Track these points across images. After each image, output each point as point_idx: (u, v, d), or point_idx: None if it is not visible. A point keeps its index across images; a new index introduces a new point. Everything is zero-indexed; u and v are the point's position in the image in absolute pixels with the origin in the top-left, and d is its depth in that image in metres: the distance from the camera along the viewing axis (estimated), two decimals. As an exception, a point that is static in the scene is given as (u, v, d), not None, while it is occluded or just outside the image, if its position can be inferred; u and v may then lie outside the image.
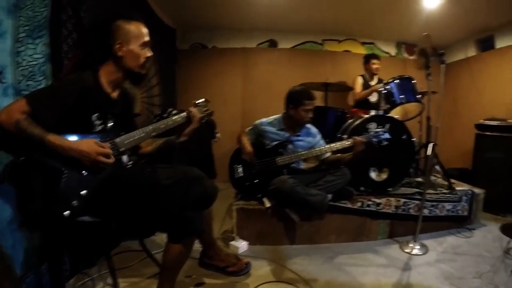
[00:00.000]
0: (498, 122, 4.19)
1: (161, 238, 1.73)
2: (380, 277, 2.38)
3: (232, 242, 2.71)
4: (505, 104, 4.44)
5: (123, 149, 1.64)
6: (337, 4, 4.37)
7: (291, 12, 4.64)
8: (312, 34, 5.72)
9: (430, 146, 3.11)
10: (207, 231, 2.10)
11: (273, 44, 5.69)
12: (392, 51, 6.06)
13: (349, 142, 2.77)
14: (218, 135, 3.75)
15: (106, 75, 1.66)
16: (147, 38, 1.70)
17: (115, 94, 1.74)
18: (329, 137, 3.65)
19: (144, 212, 1.57)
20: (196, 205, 1.66)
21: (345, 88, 4.90)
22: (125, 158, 1.70)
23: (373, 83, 4.74)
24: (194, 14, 4.80)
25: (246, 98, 5.52)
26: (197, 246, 2.09)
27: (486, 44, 5.27)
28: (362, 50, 5.84)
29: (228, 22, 5.19)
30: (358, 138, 2.77)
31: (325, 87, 4.19)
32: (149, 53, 1.72)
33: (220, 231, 3.04)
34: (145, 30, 1.70)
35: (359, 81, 4.75)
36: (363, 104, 4.60)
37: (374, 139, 2.79)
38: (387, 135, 2.82)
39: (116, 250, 2.41)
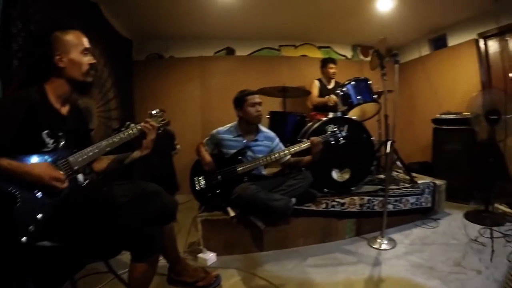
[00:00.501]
0: (454, 115, 4.44)
1: (127, 257, 1.68)
2: (351, 275, 2.45)
3: (200, 255, 2.70)
4: (459, 98, 4.67)
5: (77, 167, 1.61)
6: (293, 10, 4.47)
7: (247, 19, 4.72)
8: (268, 40, 5.82)
9: (389, 143, 3.22)
10: (172, 247, 2.09)
11: (230, 51, 5.75)
12: (348, 53, 6.28)
13: (307, 144, 2.83)
14: (178, 146, 3.73)
15: (53, 90, 1.64)
16: (86, 45, 1.70)
17: (65, 110, 1.72)
18: (290, 142, 3.69)
19: (105, 231, 1.55)
20: (155, 221, 1.66)
21: (303, 93, 5.00)
22: (80, 176, 1.67)
23: (330, 86, 4.87)
24: (150, 24, 4.78)
25: (205, 108, 5.52)
26: (165, 262, 2.10)
27: (439, 43, 5.58)
28: (319, 54, 6.02)
29: (184, 31, 5.22)
30: (315, 139, 2.83)
31: (283, 92, 4.28)
32: (92, 60, 1.71)
33: (186, 244, 3.02)
34: (83, 38, 1.70)
35: (316, 85, 4.87)
36: (321, 107, 4.70)
37: (331, 139, 2.88)
38: (344, 134, 2.91)
39: (82, 273, 2.34)
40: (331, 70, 4.84)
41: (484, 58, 4.70)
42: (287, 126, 4.16)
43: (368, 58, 6.16)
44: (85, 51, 1.68)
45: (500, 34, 4.41)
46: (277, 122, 4.14)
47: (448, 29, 5.26)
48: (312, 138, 2.84)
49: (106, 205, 1.60)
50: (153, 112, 1.96)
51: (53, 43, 1.61)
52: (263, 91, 4.11)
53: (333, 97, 4.45)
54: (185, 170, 3.27)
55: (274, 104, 4.92)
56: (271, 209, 2.68)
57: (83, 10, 3.32)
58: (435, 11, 4.60)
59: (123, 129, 1.80)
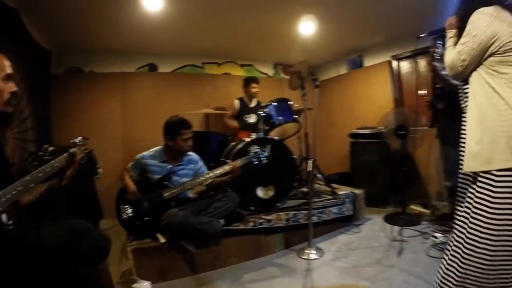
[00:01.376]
0: (369, 130, 4.95)
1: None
2: (286, 287, 2.63)
3: (134, 285, 2.61)
4: (374, 114, 5.18)
5: (1, 209, 1.45)
6: (217, 30, 4.61)
7: (171, 36, 4.71)
8: (192, 57, 5.89)
9: (310, 162, 3.43)
10: (106, 282, 2.08)
11: (153, 68, 5.68)
12: (270, 72, 6.64)
13: (228, 168, 3.02)
14: (100, 170, 3.64)
15: None
16: (9, 71, 1.56)
17: None
18: (214, 161, 3.85)
19: (36, 277, 1.45)
20: (89, 262, 1.60)
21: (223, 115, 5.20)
22: (4, 217, 1.53)
23: (252, 105, 5.09)
24: (71, 35, 4.50)
25: (126, 126, 5.34)
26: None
27: (355, 63, 6.19)
28: (241, 72, 6.28)
29: (106, 45, 5.04)
30: (237, 163, 3.05)
31: (207, 114, 4.42)
32: (14, 88, 1.58)
33: (118, 274, 2.90)
34: (6, 62, 1.57)
35: (234, 105, 5.07)
36: (244, 125, 4.91)
37: (254, 159, 3.10)
38: (266, 154, 3.16)
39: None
40: (253, 90, 5.03)
41: (396, 78, 5.32)
42: (211, 146, 4.30)
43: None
44: (7, 77, 1.55)
45: (412, 56, 5.04)
46: (200, 141, 4.12)
47: (364, 51, 5.88)
48: (232, 163, 3.05)
49: (35, 250, 1.49)
50: (76, 140, 1.85)
51: None
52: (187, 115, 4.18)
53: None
54: (108, 192, 3.22)
55: (196, 122, 5.01)
56: (202, 233, 2.78)
57: (1, 16, 3.06)
58: (354, 34, 5.11)
59: (40, 153, 1.64)
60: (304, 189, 4.08)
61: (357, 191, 4.16)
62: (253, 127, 4.51)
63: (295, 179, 3.89)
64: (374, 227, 3.90)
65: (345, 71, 6.39)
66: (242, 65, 6.35)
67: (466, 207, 1.72)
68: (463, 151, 1.77)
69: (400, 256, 2.99)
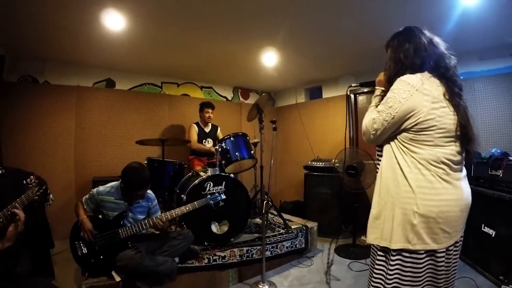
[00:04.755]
0: (323, 163, 5.29)
1: None
2: None
3: None
4: (329, 146, 5.61)
5: None
6: (178, 52, 4.75)
7: (131, 53, 4.75)
8: (151, 76, 5.99)
9: (265, 203, 3.65)
10: None
11: (110, 83, 5.63)
12: (229, 95, 6.91)
13: (188, 208, 3.19)
14: (51, 197, 3.56)
15: None
16: None
17: None
18: (168, 191, 4.09)
19: None
20: None
21: (181, 142, 5.30)
22: None
23: (207, 130, 5.41)
24: (27, 41, 4.25)
25: (79, 144, 5.19)
26: None
27: (315, 93, 6.65)
28: (200, 94, 6.52)
29: (64, 55, 4.87)
30: (195, 206, 3.22)
31: (162, 142, 4.45)
32: None
33: None
34: None
35: (194, 129, 5.33)
36: (200, 151, 5.17)
37: (211, 202, 3.33)
38: (223, 196, 3.39)
39: None
40: (207, 115, 5.34)
41: (353, 112, 5.72)
42: (166, 174, 4.43)
43: (248, 101, 6.98)
44: None
45: (370, 92, 5.32)
46: (155, 169, 4.29)
47: (323, 82, 6.28)
48: (190, 205, 3.21)
49: None
50: (28, 181, 1.93)
51: None
52: (143, 143, 4.36)
53: (212, 149, 4.98)
54: (58, 214, 3.35)
55: (152, 147, 5.00)
56: (158, 274, 2.93)
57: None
58: (313, 67, 5.49)
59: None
60: (258, 220, 4.33)
61: (310, 224, 4.44)
62: (209, 154, 4.84)
63: (249, 214, 4.08)
64: (326, 260, 4.12)
65: (303, 99, 6.79)
66: (201, 87, 6.56)
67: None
68: None
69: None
